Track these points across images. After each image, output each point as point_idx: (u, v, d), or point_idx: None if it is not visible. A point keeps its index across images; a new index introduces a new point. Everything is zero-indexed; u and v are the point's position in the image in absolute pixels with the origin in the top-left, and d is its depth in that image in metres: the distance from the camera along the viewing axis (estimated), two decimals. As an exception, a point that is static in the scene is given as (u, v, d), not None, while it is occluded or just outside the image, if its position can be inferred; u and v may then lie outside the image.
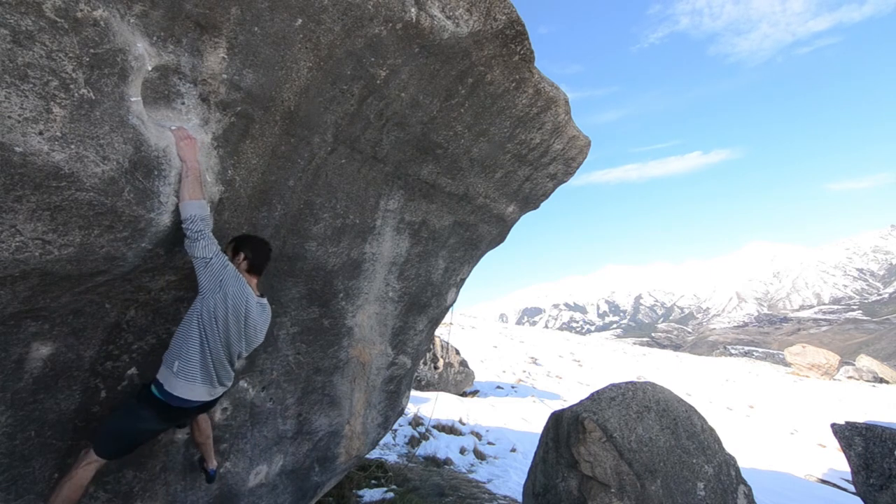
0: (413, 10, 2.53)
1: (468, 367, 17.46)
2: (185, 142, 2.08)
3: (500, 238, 5.12)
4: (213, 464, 2.91)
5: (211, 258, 2.24)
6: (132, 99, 1.88)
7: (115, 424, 2.31)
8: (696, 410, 4.94)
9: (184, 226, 2.16)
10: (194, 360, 2.32)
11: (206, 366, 2.36)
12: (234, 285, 2.35)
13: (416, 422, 9.58)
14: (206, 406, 2.55)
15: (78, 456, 2.29)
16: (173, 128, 2.08)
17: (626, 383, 4.77)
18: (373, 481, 5.91)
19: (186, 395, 2.33)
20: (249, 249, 2.54)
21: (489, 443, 9.78)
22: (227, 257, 2.35)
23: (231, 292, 2.34)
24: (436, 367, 16.02)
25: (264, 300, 2.65)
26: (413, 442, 8.60)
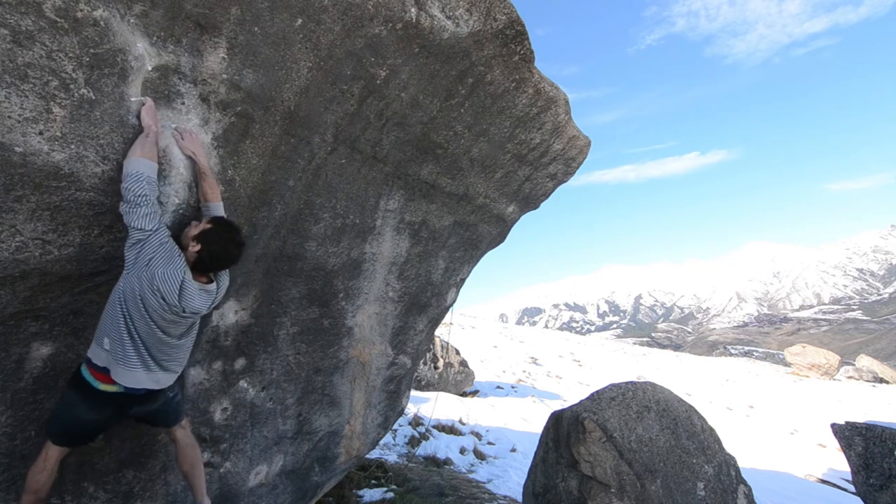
0: (413, 10, 2.53)
1: (468, 367, 17.46)
2: (145, 108, 1.92)
3: (500, 238, 5.12)
4: (203, 499, 2.49)
5: (149, 232, 1.91)
6: (132, 99, 1.88)
7: (56, 412, 2.10)
8: (696, 410, 4.94)
9: (123, 185, 1.84)
10: (125, 342, 2.03)
11: (137, 348, 2.05)
12: (164, 266, 1.98)
13: (416, 422, 9.58)
14: (152, 397, 2.22)
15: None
16: (142, 104, 1.98)
17: (626, 383, 4.77)
18: (373, 481, 5.91)
19: (123, 380, 2.05)
20: (210, 244, 2.09)
21: (489, 443, 9.77)
22: (168, 233, 2.03)
23: (160, 275, 1.97)
24: (436, 367, 16.02)
25: (212, 286, 2.23)
26: (413, 442, 8.60)
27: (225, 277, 2.35)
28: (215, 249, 2.11)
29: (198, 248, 2.08)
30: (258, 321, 3.05)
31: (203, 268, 2.15)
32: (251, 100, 2.27)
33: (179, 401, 2.47)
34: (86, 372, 2.06)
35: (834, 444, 14.66)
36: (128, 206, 1.86)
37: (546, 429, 4.74)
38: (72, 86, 1.68)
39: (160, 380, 2.18)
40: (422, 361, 11.56)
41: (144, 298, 1.98)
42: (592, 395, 4.65)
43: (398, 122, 3.08)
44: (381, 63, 2.66)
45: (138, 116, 1.92)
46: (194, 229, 2.11)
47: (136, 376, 2.07)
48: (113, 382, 2.06)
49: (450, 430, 9.81)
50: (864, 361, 37.56)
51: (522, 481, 5.39)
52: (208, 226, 2.11)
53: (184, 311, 2.10)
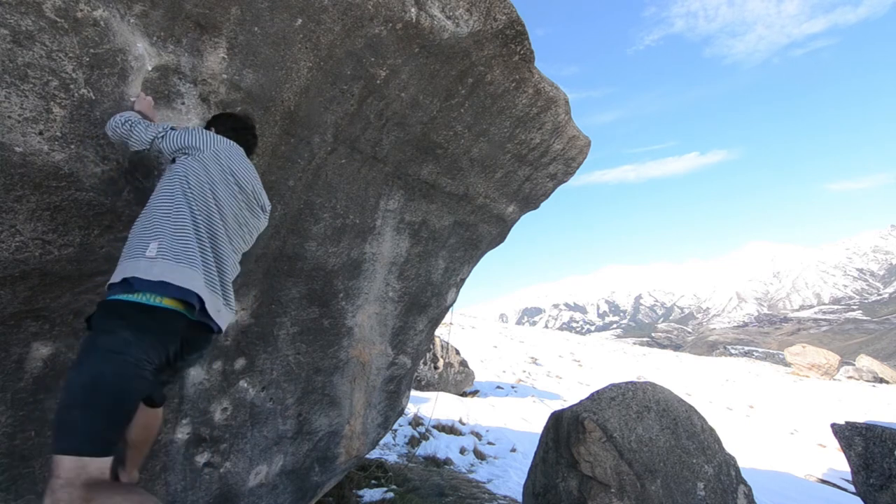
0: (413, 10, 2.53)
1: (468, 367, 17.46)
2: (138, 100, 1.85)
3: (500, 238, 5.12)
4: (133, 475, 1.88)
5: (164, 128, 1.74)
6: (132, 99, 1.88)
7: (92, 385, 1.33)
8: (696, 410, 4.94)
9: (109, 132, 1.70)
10: (187, 239, 1.55)
11: (204, 252, 1.59)
12: (221, 142, 1.80)
13: (416, 422, 9.58)
14: (204, 337, 1.66)
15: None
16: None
17: (626, 383, 4.76)
18: (373, 481, 5.91)
19: (179, 280, 1.47)
20: (221, 123, 2.00)
21: (489, 443, 9.77)
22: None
23: (222, 150, 1.77)
24: (436, 367, 16.02)
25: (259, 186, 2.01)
26: (413, 442, 8.60)
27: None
28: (227, 120, 2.01)
29: (213, 130, 1.93)
30: (258, 321, 3.05)
31: (237, 137, 1.98)
32: (251, 100, 2.27)
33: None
34: (128, 294, 1.45)
35: (834, 444, 14.66)
36: (129, 139, 1.70)
37: (546, 429, 4.74)
38: (72, 86, 1.68)
39: (221, 310, 1.65)
40: (422, 361, 11.56)
41: (217, 183, 1.70)
42: (592, 395, 4.64)
43: (398, 122, 3.08)
44: (381, 63, 2.66)
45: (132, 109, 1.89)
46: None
47: (195, 279, 1.53)
48: (177, 293, 1.48)
49: (450, 430, 9.81)
50: (864, 361, 37.56)
51: (522, 481, 5.40)
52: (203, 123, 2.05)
53: (257, 201, 1.90)
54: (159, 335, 1.48)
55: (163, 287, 1.47)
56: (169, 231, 1.54)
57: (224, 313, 1.69)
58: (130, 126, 1.71)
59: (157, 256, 1.49)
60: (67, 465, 1.24)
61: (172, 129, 1.77)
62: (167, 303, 1.48)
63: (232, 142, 1.89)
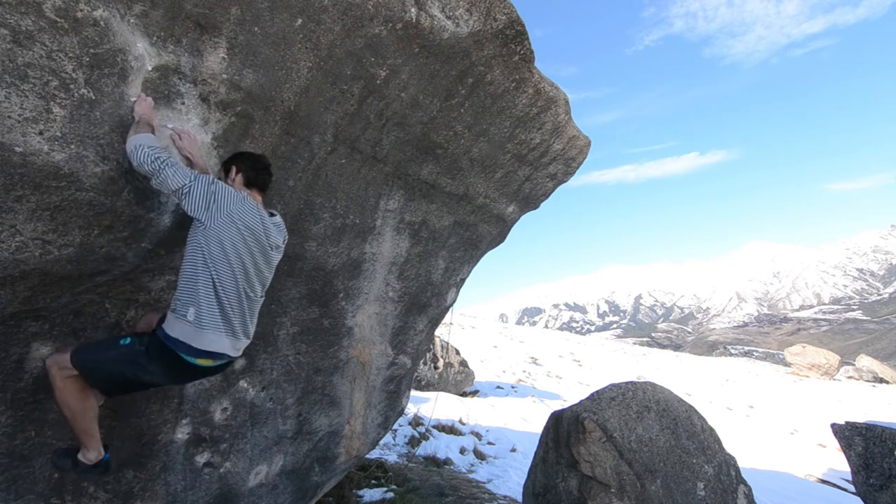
0: (413, 10, 2.53)
1: (468, 367, 17.46)
2: (138, 101, 1.89)
3: (500, 238, 5.12)
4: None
5: (190, 182, 1.86)
6: (132, 99, 1.88)
7: (111, 366, 1.97)
8: (696, 410, 4.94)
9: (135, 163, 1.79)
10: (213, 307, 1.95)
11: (224, 312, 1.98)
12: (235, 201, 1.96)
13: (416, 422, 9.57)
14: (220, 368, 2.16)
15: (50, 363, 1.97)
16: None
17: (626, 383, 4.77)
18: (373, 481, 5.91)
19: (211, 346, 1.96)
20: (241, 162, 2.15)
21: (489, 443, 9.77)
22: (211, 176, 1.99)
23: (235, 210, 1.95)
24: (436, 367, 16.01)
25: (277, 218, 2.28)
26: (413, 442, 8.60)
27: (279, 214, 2.35)
28: (249, 158, 2.17)
29: (234, 170, 2.14)
30: (258, 321, 3.04)
31: (254, 181, 2.16)
32: (251, 100, 2.27)
33: None
34: (182, 351, 1.94)
35: (834, 444, 14.66)
36: (156, 178, 1.82)
37: (546, 429, 4.74)
38: (72, 86, 1.68)
39: (239, 347, 2.12)
40: (422, 361, 11.56)
41: (234, 244, 1.94)
42: (592, 395, 4.65)
43: (398, 122, 3.08)
44: (381, 63, 2.66)
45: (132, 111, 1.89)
46: (223, 175, 2.20)
47: (222, 343, 1.99)
48: (208, 356, 1.98)
49: (450, 430, 9.81)
50: (864, 361, 37.55)
51: (522, 481, 5.39)
52: (225, 158, 2.22)
53: (269, 244, 2.11)
54: (185, 379, 2.23)
55: (199, 352, 1.96)
56: (202, 299, 1.93)
57: (242, 343, 2.13)
58: (160, 166, 1.81)
59: (194, 322, 1.92)
60: (67, 362, 1.93)
61: (197, 177, 1.89)
62: (201, 361, 2.00)
63: (245, 196, 2.05)
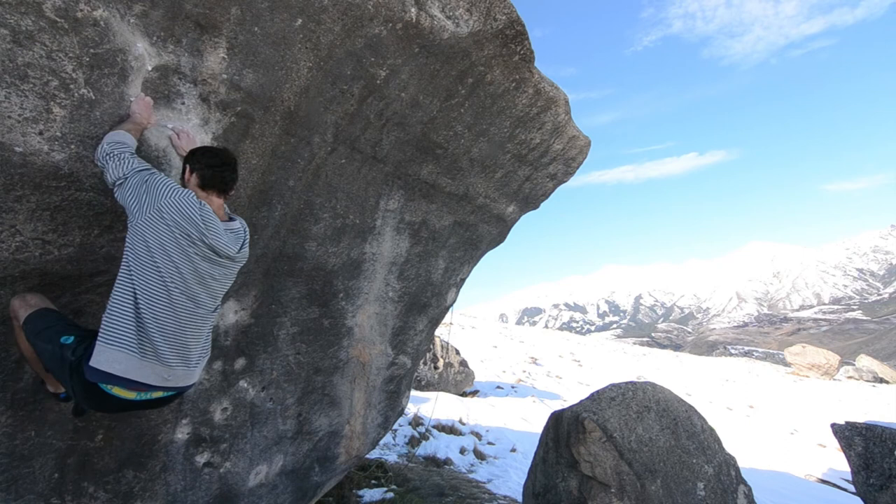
0: (413, 10, 2.53)
1: (468, 367, 17.45)
2: (136, 100, 1.86)
3: (500, 238, 5.12)
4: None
5: (126, 175, 1.66)
6: (132, 99, 1.88)
7: (46, 359, 1.73)
8: (696, 410, 4.94)
9: (95, 158, 1.70)
10: (126, 318, 1.60)
11: (143, 327, 1.62)
12: (170, 195, 1.67)
13: (416, 422, 9.57)
14: (152, 403, 1.78)
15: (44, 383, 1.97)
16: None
17: (626, 383, 4.76)
18: (373, 481, 5.91)
19: (107, 367, 1.57)
20: (196, 159, 1.86)
21: (489, 443, 9.77)
22: (156, 172, 1.75)
23: (168, 204, 1.65)
24: (436, 367, 16.01)
25: (236, 224, 1.95)
26: (413, 442, 8.60)
27: (243, 222, 2.05)
28: (205, 156, 1.85)
29: (189, 170, 1.87)
30: (258, 321, 3.05)
31: (209, 181, 1.84)
32: (251, 100, 2.27)
33: None
34: (85, 372, 1.63)
35: (834, 444, 14.66)
36: (103, 171, 1.70)
37: (546, 429, 4.73)
38: (72, 86, 1.68)
39: (171, 377, 1.72)
40: (422, 361, 11.56)
41: (161, 244, 1.63)
42: (592, 395, 4.64)
43: (398, 122, 3.08)
44: (381, 63, 2.66)
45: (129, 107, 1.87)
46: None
47: (130, 365, 1.63)
48: (119, 383, 1.63)
49: (450, 430, 9.81)
50: (864, 361, 37.54)
51: (522, 481, 5.40)
52: (184, 154, 1.94)
53: (216, 251, 1.77)
54: (107, 409, 1.77)
55: (100, 374, 1.61)
56: (115, 307, 1.64)
57: (177, 373, 1.74)
58: (105, 160, 1.69)
59: (101, 335, 1.61)
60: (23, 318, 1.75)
61: (137, 171, 1.69)
62: (115, 390, 1.65)
63: (186, 192, 1.75)
